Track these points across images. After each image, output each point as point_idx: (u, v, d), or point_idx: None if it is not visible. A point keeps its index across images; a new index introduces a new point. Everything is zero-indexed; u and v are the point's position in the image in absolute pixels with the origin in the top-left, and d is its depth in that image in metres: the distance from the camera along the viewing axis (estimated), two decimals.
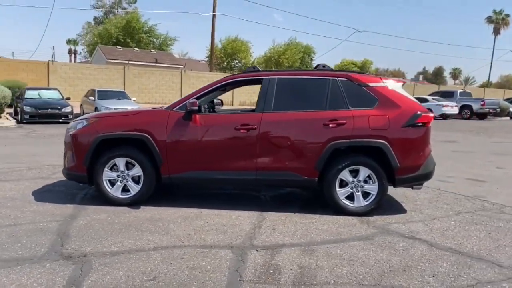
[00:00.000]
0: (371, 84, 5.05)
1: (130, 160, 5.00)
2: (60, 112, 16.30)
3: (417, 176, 4.98)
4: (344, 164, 4.88)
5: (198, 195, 5.77)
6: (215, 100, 6.85)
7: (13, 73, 23.37)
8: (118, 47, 40.48)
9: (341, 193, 4.92)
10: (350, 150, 4.96)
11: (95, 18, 57.17)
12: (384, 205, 5.38)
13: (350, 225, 4.57)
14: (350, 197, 4.96)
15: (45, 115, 15.99)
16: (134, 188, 5.03)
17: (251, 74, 5.31)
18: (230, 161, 4.96)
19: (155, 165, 4.98)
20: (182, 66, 39.40)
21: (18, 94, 18.28)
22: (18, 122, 16.10)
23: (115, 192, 5.03)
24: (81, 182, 5.22)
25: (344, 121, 4.86)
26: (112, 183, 5.05)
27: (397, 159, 4.82)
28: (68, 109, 16.48)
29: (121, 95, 18.84)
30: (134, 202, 5.02)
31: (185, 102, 5.01)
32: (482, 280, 3.28)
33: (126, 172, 5.02)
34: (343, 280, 3.20)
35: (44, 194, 5.46)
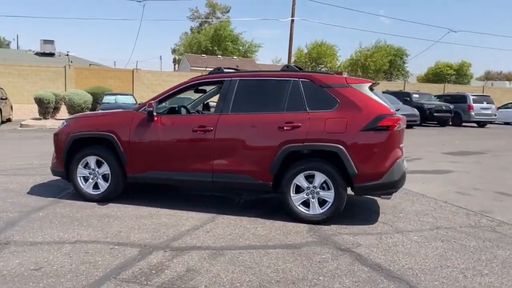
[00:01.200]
0: (333, 85, 4.74)
1: (100, 158, 5.28)
2: None
3: (380, 185, 4.54)
4: (298, 169, 4.65)
5: (178, 196, 5.89)
6: (210, 102, 6.99)
7: (103, 80, 25.80)
8: (203, 55, 42.56)
9: (296, 199, 4.69)
10: (307, 154, 4.71)
11: (191, 29, 60.80)
12: (358, 214, 5.06)
13: (293, 233, 4.33)
14: (307, 204, 4.70)
15: None
16: (103, 186, 5.30)
17: (213, 76, 5.30)
18: (188, 163, 4.99)
19: (121, 164, 5.21)
20: None
21: (100, 99, 20.12)
22: None
23: (87, 188, 5.35)
24: (62, 177, 5.63)
25: (299, 124, 4.63)
26: (86, 179, 5.38)
27: (354, 165, 4.46)
28: None
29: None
30: (104, 199, 5.28)
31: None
32: None
33: (97, 170, 5.31)
34: (215, 287, 3.07)
35: (39, 188, 5.99)
